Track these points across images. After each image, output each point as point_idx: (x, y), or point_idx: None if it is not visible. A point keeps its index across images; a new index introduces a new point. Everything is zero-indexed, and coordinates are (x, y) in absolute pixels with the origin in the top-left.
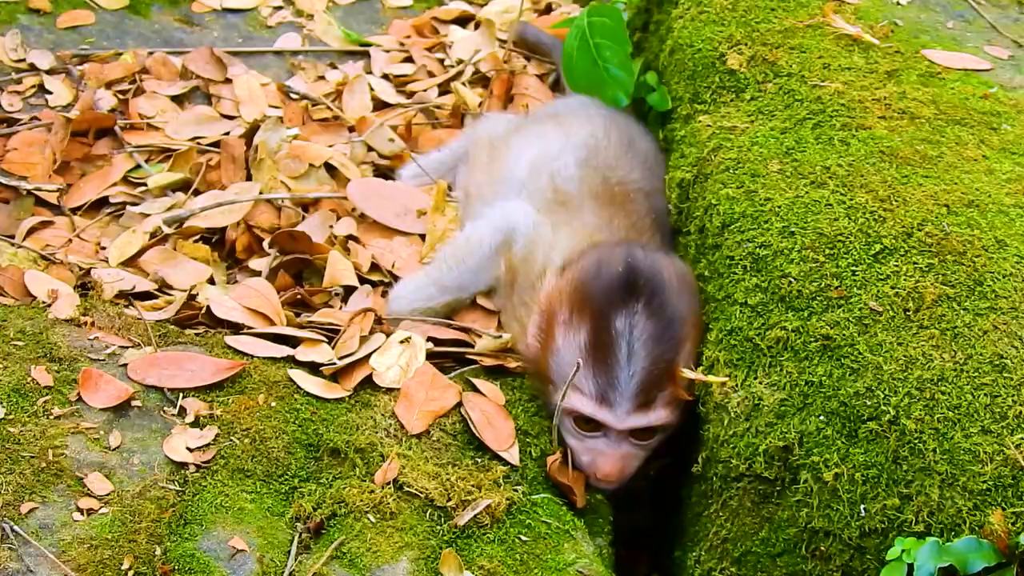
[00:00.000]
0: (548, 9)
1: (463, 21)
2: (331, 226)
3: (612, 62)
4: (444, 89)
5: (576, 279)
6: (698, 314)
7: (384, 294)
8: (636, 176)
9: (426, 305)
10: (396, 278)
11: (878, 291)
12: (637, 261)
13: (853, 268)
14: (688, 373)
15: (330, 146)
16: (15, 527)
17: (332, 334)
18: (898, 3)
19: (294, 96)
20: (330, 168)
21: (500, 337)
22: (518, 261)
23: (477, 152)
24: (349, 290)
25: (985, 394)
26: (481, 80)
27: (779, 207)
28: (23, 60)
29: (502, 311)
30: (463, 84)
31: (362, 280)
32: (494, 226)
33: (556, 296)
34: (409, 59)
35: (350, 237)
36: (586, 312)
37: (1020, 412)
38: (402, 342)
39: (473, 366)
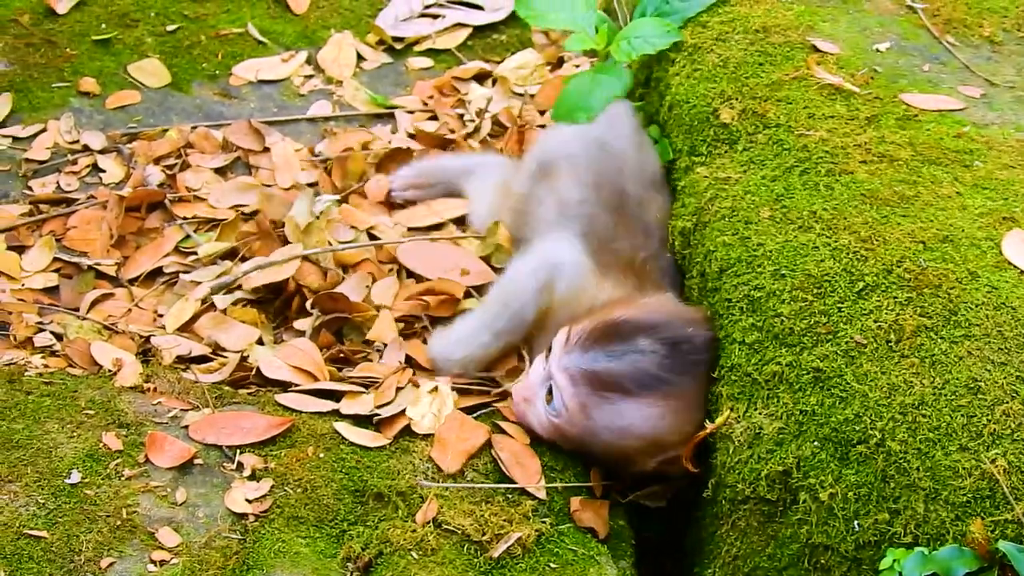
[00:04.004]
0: (560, 63)
1: (481, 78)
2: (367, 286)
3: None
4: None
5: None
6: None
7: (425, 341)
8: (639, 241)
9: (484, 351)
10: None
11: (862, 325)
12: None
13: (839, 305)
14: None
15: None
16: None
17: (371, 382)
18: (877, 50)
19: (323, 162)
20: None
21: None
22: (557, 304)
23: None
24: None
25: (962, 415)
26: (501, 133)
27: (770, 251)
28: (77, 141)
29: (534, 346)
30: (486, 138)
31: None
32: (536, 265)
33: None
34: (434, 117)
35: (381, 307)
36: None
37: (994, 430)
38: (431, 392)
39: (500, 402)
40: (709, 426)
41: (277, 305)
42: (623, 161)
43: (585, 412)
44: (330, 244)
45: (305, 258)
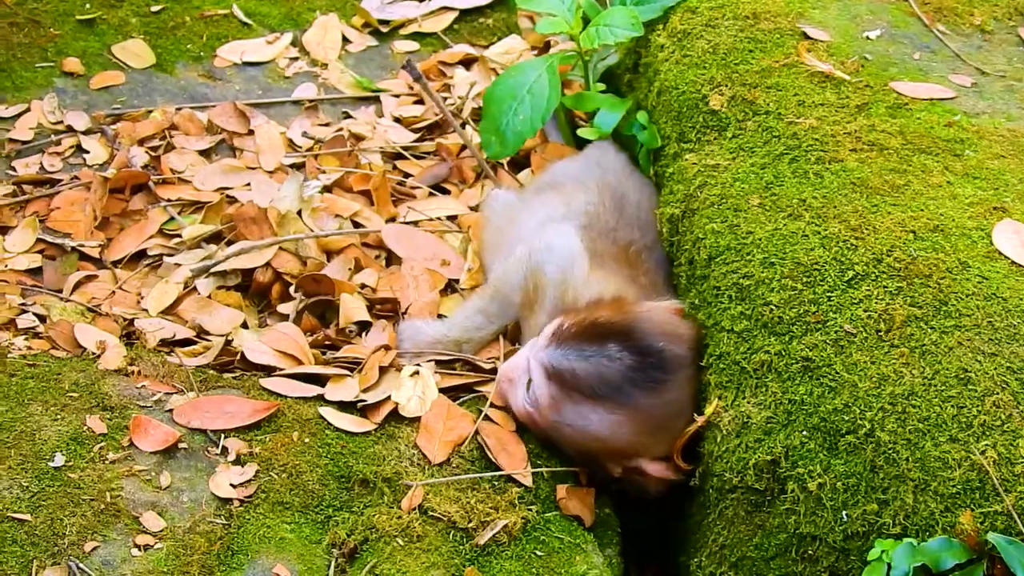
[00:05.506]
0: (547, 47)
1: (467, 63)
2: (350, 268)
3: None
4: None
5: None
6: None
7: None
8: (636, 235)
9: (478, 335)
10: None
11: (852, 314)
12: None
13: (829, 294)
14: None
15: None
16: (80, 565)
17: (355, 364)
18: (868, 38)
19: (303, 145)
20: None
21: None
22: (547, 285)
23: (489, 236)
24: (362, 325)
25: (952, 405)
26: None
27: (760, 239)
28: (61, 122)
29: (525, 328)
30: (468, 120)
31: (377, 316)
32: (528, 250)
33: None
34: (419, 101)
35: (364, 285)
36: None
37: (984, 421)
38: (412, 375)
39: (484, 388)
40: (699, 419)
41: (253, 290)
42: (621, 173)
43: (554, 407)
44: (312, 231)
45: (283, 247)
